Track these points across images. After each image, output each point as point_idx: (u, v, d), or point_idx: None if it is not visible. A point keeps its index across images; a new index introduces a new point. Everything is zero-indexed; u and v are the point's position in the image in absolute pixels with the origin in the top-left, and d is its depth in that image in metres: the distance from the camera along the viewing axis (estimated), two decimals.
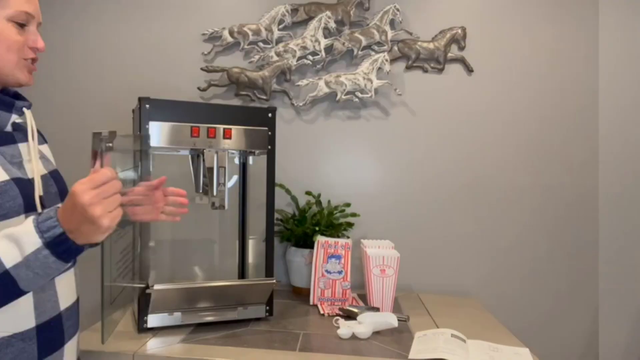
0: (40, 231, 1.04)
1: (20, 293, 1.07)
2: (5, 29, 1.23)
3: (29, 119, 1.33)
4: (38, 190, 1.26)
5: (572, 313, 2.74)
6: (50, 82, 2.86)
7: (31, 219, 1.06)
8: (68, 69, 2.87)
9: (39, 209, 1.24)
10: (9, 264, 1.03)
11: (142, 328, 1.91)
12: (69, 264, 1.09)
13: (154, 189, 1.54)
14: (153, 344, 1.79)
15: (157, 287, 1.83)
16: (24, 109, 1.33)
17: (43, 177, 1.32)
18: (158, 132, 1.89)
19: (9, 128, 1.30)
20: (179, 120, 1.92)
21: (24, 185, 1.22)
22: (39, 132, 1.46)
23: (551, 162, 2.72)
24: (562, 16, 2.70)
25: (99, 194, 1.04)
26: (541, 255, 2.74)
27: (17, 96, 1.37)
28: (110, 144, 1.17)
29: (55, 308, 1.29)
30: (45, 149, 1.48)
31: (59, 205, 1.10)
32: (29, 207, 1.21)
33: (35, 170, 1.28)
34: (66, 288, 1.35)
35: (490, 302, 2.75)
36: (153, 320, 1.92)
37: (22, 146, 1.31)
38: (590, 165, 2.71)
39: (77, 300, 1.42)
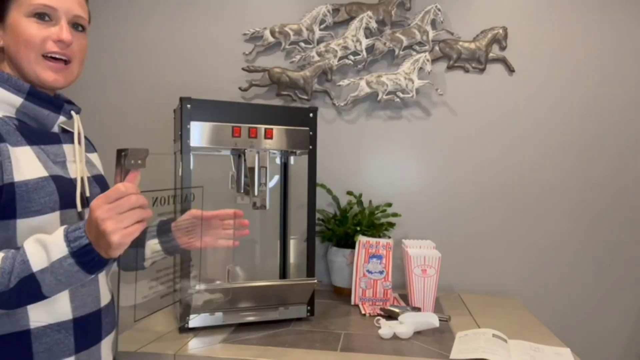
0: (68, 240, 1.06)
1: (41, 297, 1.09)
2: (22, 25, 1.22)
3: (77, 123, 1.35)
4: (79, 189, 1.28)
5: (613, 313, 2.69)
6: (92, 82, 2.91)
7: (62, 227, 1.09)
8: (110, 69, 2.91)
9: (79, 208, 1.26)
10: (35, 267, 1.05)
11: (183, 328, 1.92)
12: (92, 276, 1.11)
13: (201, 218, 1.57)
14: (194, 344, 1.81)
15: (198, 287, 1.85)
16: (73, 113, 1.35)
17: (87, 179, 1.34)
18: (199, 132, 1.90)
19: (55, 129, 1.34)
20: (220, 120, 1.93)
21: (64, 183, 1.24)
22: (88, 141, 1.49)
23: (592, 162, 2.67)
24: (604, 17, 2.64)
25: (111, 209, 1.04)
26: (582, 255, 2.70)
27: (68, 102, 1.38)
28: (139, 162, 1.15)
29: (96, 303, 1.32)
30: (94, 157, 1.51)
31: None
32: (65, 205, 1.23)
33: (78, 170, 1.30)
34: (106, 286, 1.39)
35: (531, 301, 2.71)
36: (194, 320, 1.93)
37: (67, 147, 1.33)
38: (632, 165, 2.66)
39: (113, 300, 1.45)
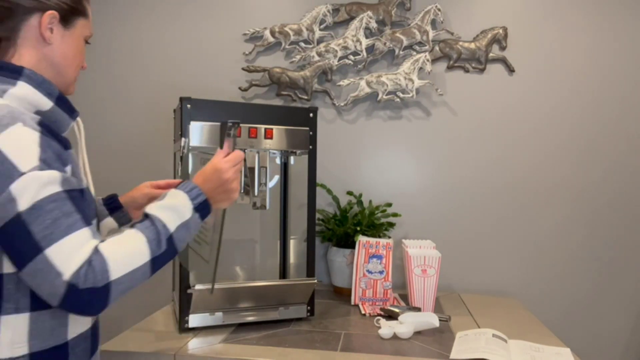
0: (191, 199, 1.27)
1: (175, 254, 1.25)
2: (81, 43, 1.31)
3: (76, 129, 1.36)
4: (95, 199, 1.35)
5: (613, 312, 2.69)
6: (91, 82, 2.91)
7: (176, 192, 1.28)
8: (110, 68, 2.91)
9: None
10: (172, 228, 1.21)
11: (183, 328, 1.92)
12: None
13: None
14: (194, 344, 1.80)
15: (198, 287, 1.85)
16: (78, 118, 1.35)
17: None
18: (199, 132, 1.90)
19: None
20: (221, 120, 1.92)
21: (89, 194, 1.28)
22: None
23: (591, 161, 2.67)
24: (603, 17, 2.64)
25: (236, 171, 1.36)
26: (582, 253, 2.70)
27: None
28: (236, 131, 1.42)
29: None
30: None
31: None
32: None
33: (90, 179, 1.36)
34: None
35: (531, 301, 2.71)
36: (194, 320, 1.93)
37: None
38: (631, 164, 2.66)
39: None
